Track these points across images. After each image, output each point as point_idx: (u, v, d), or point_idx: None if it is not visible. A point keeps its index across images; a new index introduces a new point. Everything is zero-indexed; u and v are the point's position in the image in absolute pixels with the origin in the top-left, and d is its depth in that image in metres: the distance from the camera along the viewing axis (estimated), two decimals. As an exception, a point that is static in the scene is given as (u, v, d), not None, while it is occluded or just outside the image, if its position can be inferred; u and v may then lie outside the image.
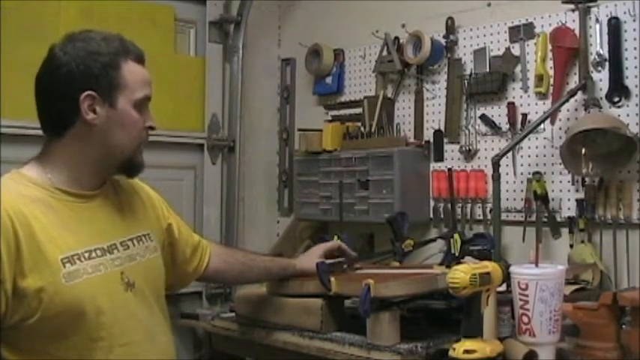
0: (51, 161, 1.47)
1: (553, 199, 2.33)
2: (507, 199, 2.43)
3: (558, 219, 2.33)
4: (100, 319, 1.41)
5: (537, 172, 2.34)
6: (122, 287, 1.47)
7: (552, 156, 2.35)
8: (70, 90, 1.43)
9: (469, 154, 2.58)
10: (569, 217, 2.30)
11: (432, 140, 2.68)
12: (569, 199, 2.32)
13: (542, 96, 2.40)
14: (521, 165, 2.44)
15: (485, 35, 2.56)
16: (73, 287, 1.37)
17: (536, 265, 1.70)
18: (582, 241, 2.26)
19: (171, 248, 1.73)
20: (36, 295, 1.34)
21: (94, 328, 1.40)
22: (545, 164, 2.38)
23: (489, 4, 2.57)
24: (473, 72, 2.57)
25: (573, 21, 2.32)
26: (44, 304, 1.34)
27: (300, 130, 3.06)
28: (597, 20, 2.26)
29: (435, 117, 2.70)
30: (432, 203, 2.66)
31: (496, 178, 2.30)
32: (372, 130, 2.77)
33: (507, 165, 2.44)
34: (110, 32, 1.52)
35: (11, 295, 1.32)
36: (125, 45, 1.50)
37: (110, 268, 1.46)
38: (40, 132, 1.51)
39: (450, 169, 2.22)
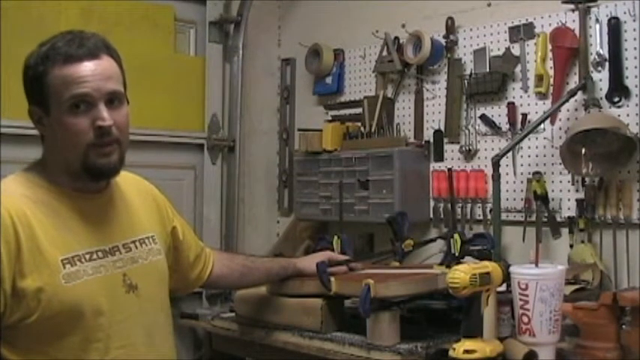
0: (50, 163, 1.48)
1: (553, 199, 2.33)
2: (507, 199, 2.43)
3: (558, 219, 2.33)
4: (99, 320, 1.41)
5: (537, 172, 2.34)
6: (123, 289, 1.47)
7: (552, 156, 2.35)
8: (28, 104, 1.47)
9: (469, 154, 2.58)
10: (569, 217, 2.30)
11: (432, 140, 2.68)
12: (569, 199, 2.32)
13: (542, 96, 2.40)
14: (521, 165, 2.44)
15: (485, 35, 2.56)
16: (72, 288, 1.37)
17: (536, 265, 1.71)
18: (582, 241, 2.26)
19: (175, 251, 1.73)
20: (35, 295, 1.34)
21: (91, 329, 1.40)
22: (545, 164, 2.38)
23: (489, 4, 2.57)
24: (473, 72, 2.57)
25: (573, 21, 2.32)
26: (43, 304, 1.34)
27: (300, 130, 3.06)
28: (597, 20, 2.26)
29: (435, 117, 2.69)
30: (432, 203, 2.66)
31: (496, 178, 2.30)
32: (372, 130, 2.77)
33: (507, 165, 2.44)
34: (57, 35, 1.45)
35: (10, 295, 1.32)
36: (53, 48, 1.42)
37: (111, 270, 1.45)
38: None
39: (450, 169, 2.22)
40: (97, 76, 1.41)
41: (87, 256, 1.42)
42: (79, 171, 1.44)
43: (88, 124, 1.41)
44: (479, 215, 2.53)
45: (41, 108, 1.44)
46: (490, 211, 2.42)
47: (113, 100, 1.44)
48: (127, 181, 1.60)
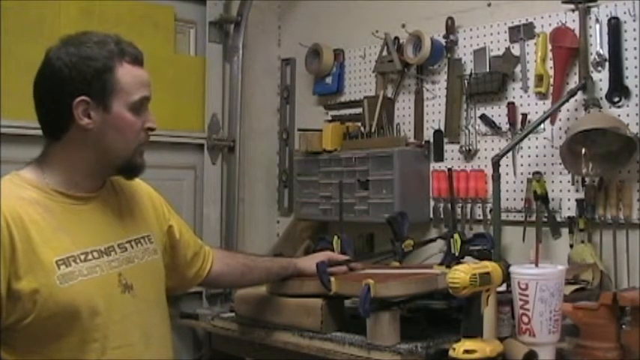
0: (49, 164, 1.47)
1: (553, 199, 2.33)
2: (507, 199, 2.43)
3: (558, 219, 2.33)
4: (95, 320, 1.41)
5: (537, 172, 2.34)
6: (119, 289, 1.47)
7: (552, 156, 2.35)
8: (64, 96, 1.43)
9: (469, 154, 2.58)
10: (569, 217, 2.30)
11: (432, 140, 2.68)
12: (569, 199, 2.32)
13: (542, 96, 2.40)
14: (521, 165, 2.44)
15: (485, 35, 2.56)
16: (67, 289, 1.37)
17: (536, 265, 1.71)
18: (582, 241, 2.26)
19: (171, 250, 1.73)
20: (30, 297, 1.34)
21: (88, 329, 1.40)
22: (545, 164, 2.38)
23: (489, 4, 2.57)
24: (473, 72, 2.57)
25: (573, 21, 2.32)
26: (38, 305, 1.35)
27: (300, 130, 3.06)
28: (597, 20, 2.26)
29: (435, 117, 2.69)
30: (432, 203, 2.66)
31: (496, 178, 2.30)
32: (372, 130, 2.77)
33: (507, 165, 2.44)
34: (107, 34, 1.50)
35: (5, 297, 1.33)
36: (121, 47, 1.47)
37: (107, 270, 1.46)
38: (40, 132, 1.50)
39: (450, 169, 2.22)
40: (148, 82, 1.52)
41: (82, 257, 1.42)
42: (116, 167, 1.50)
43: (141, 125, 1.49)
44: (479, 215, 2.53)
45: (96, 100, 1.43)
46: (490, 211, 2.42)
47: None
48: (122, 180, 1.60)
